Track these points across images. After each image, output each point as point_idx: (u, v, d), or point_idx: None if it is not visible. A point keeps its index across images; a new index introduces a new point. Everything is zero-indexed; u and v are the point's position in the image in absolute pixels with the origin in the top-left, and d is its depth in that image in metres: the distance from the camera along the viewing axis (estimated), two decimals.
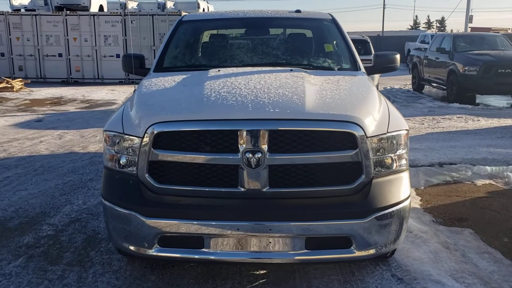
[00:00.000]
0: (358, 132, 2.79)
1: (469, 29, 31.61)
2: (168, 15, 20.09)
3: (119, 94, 15.88)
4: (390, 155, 2.96)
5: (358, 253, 2.87)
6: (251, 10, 4.71)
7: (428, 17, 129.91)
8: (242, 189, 2.82)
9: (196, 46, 4.55)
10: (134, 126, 2.96)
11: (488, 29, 48.06)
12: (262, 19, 4.56)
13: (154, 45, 20.05)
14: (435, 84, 15.24)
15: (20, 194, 5.37)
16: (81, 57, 20.08)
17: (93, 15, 20.02)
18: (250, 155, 2.74)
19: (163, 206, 2.87)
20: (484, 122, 10.22)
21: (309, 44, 4.44)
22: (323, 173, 2.84)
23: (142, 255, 2.98)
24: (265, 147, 2.74)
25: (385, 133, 2.93)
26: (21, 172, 6.31)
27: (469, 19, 32.75)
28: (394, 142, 2.97)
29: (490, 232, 4.20)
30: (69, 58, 20.07)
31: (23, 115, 11.18)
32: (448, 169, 6.28)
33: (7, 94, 15.23)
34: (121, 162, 3.03)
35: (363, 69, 4.08)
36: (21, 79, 17.56)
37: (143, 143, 2.87)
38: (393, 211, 2.88)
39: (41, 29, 19.96)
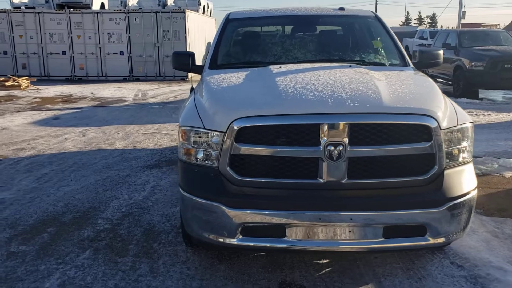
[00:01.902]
0: (433, 125, 2.93)
1: (460, 25, 31.89)
2: (172, 12, 20.12)
3: (127, 91, 15.93)
4: (458, 146, 3.11)
5: (432, 241, 3.01)
6: (294, 8, 4.84)
7: (420, 13, 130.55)
8: (322, 181, 2.95)
9: (247, 44, 4.67)
10: (215, 121, 3.08)
11: (478, 25, 48.46)
12: (309, 16, 4.69)
13: (158, 42, 20.11)
14: (440, 80, 15.45)
15: (64, 190, 5.47)
16: (85, 55, 20.09)
17: (97, 13, 20.02)
18: (332, 148, 2.87)
19: (246, 197, 3.00)
20: (495, 117, 10.42)
21: (357, 41, 4.57)
22: (398, 164, 2.98)
23: (224, 244, 3.10)
24: (346, 140, 2.87)
25: (455, 126, 3.08)
26: (56, 168, 6.40)
27: (462, 15, 33.06)
28: (463, 134, 3.12)
29: None
30: (73, 56, 20.08)
31: (38, 113, 11.22)
32: (475, 162, 6.44)
33: (15, 92, 15.24)
34: (201, 156, 3.16)
35: (411, 65, 4.23)
36: (27, 77, 17.54)
37: (225, 138, 2.99)
38: (464, 201, 3.03)
39: (44, 27, 19.94)
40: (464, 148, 3.16)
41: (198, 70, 4.41)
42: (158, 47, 20.14)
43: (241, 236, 3.03)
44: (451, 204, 2.98)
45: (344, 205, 2.93)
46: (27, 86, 16.36)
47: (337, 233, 2.96)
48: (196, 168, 3.19)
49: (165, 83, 18.64)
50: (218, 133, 3.04)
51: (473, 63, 13.35)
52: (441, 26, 59.85)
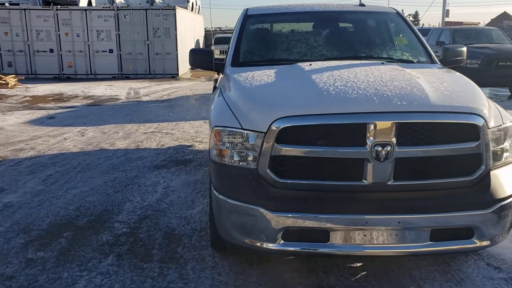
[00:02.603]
0: (481, 124, 2.84)
1: (445, 24, 32.15)
2: (162, 9, 19.90)
3: (118, 89, 15.68)
4: (502, 146, 3.02)
5: (478, 243, 2.92)
6: (313, 3, 4.72)
7: (402, 11, 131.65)
8: (366, 182, 2.84)
9: (268, 40, 4.54)
10: (254, 121, 2.94)
11: (460, 23, 48.96)
12: (330, 12, 4.58)
13: (147, 39, 19.89)
14: None
15: (72, 192, 5.28)
16: (73, 53, 19.77)
17: (85, 10, 19.70)
18: (380, 148, 2.76)
19: (288, 200, 2.88)
20: None
21: (382, 37, 4.48)
22: (445, 165, 2.89)
23: (263, 249, 2.97)
24: (393, 140, 2.77)
25: (501, 125, 3.00)
26: (61, 170, 6.20)
27: (445, 13, 33.37)
28: (506, 133, 3.04)
29: None
30: (61, 54, 19.73)
31: (31, 112, 10.93)
32: None
33: (3, 91, 14.87)
34: (237, 157, 3.02)
35: (438, 62, 4.15)
36: (14, 75, 17.15)
37: (265, 138, 2.86)
38: (511, 202, 2.95)
39: (31, 24, 19.56)
40: (508, 148, 3.08)
41: (219, 68, 4.27)
42: (148, 44, 19.90)
43: (282, 241, 2.90)
44: (499, 205, 2.89)
45: (391, 208, 2.82)
46: (15, 85, 15.99)
47: (384, 237, 2.85)
48: (232, 170, 3.05)
49: (156, 81, 18.40)
50: (257, 133, 2.91)
51: (468, 61, 13.38)
52: (423, 25, 60.25)
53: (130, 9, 19.83)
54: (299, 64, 3.76)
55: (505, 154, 3.07)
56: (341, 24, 4.62)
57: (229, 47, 4.35)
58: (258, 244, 2.96)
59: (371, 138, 2.77)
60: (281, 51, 4.23)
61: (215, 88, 4.17)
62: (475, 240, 2.92)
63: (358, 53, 4.12)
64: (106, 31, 19.69)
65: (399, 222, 2.81)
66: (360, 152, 2.79)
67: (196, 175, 5.91)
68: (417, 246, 2.88)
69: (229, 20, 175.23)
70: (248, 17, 4.53)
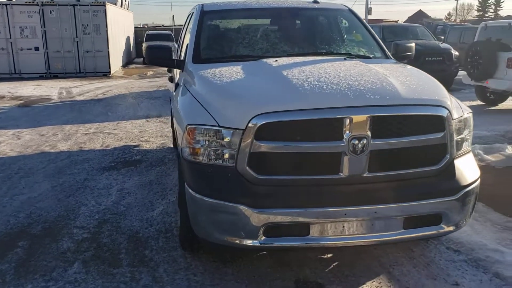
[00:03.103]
0: (446, 115, 3.00)
1: (368, 21, 33.50)
2: (91, 5, 19.12)
3: (48, 89, 14.92)
4: (462, 136, 3.21)
5: (446, 229, 3.09)
6: (266, 0, 4.73)
7: None
8: (343, 175, 2.91)
9: (229, 37, 4.49)
10: (231, 118, 2.92)
11: (381, 21, 51.15)
12: (287, 9, 4.62)
13: (77, 36, 19.08)
14: None
15: (19, 198, 4.97)
16: None
17: (5, 5, 18.48)
18: (356, 142, 2.83)
19: (269, 196, 2.88)
20: None
21: (339, 34, 4.57)
22: (413, 156, 3.01)
23: (245, 247, 2.95)
24: (369, 133, 2.85)
25: (462, 116, 3.17)
26: (1, 175, 5.80)
27: (368, 11, 34.77)
28: (466, 124, 3.23)
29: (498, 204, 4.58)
30: None
31: None
32: None
33: None
34: (214, 155, 2.98)
35: (391, 57, 4.32)
36: None
37: (244, 135, 2.85)
38: (473, 188, 3.14)
39: None
40: (467, 138, 3.27)
41: (178, 64, 4.18)
42: (77, 42, 19.10)
43: (263, 237, 2.90)
44: (464, 191, 3.07)
45: (368, 199, 2.91)
46: None
47: (362, 227, 2.93)
48: (209, 169, 3.01)
49: (87, 80, 17.71)
50: (235, 130, 2.89)
51: None
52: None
53: (56, 5, 18.86)
54: (264, 60, 3.77)
55: (464, 144, 3.26)
56: (298, 21, 4.67)
57: (180, 43, 4.26)
58: (239, 241, 2.95)
59: (348, 132, 2.83)
60: (242, 48, 4.21)
61: (177, 85, 4.06)
62: (443, 226, 3.08)
63: (318, 49, 4.19)
64: (31, 27, 18.65)
65: (375, 212, 2.90)
66: (337, 146, 2.85)
67: (149, 176, 5.77)
68: (392, 234, 2.99)
69: (155, 16, 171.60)
70: (205, 13, 4.47)
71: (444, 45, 14.98)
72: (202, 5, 4.64)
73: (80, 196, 5.06)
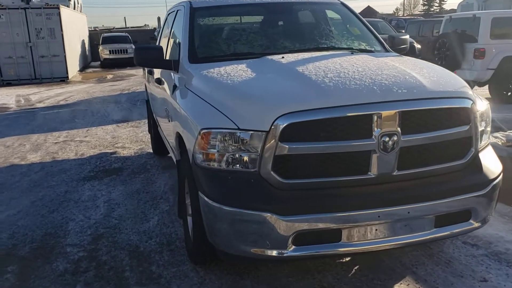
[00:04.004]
0: (471, 106, 2.89)
1: None
2: (44, 8, 18.30)
3: (4, 97, 14.22)
4: (483, 128, 3.11)
5: (475, 225, 2.98)
6: None
7: None
8: (373, 175, 2.75)
9: (225, 34, 4.23)
10: (253, 120, 2.69)
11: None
12: (280, 4, 4.41)
13: (30, 41, 18.24)
14: None
15: None
16: None
17: None
18: (387, 139, 2.68)
19: (297, 202, 2.68)
20: None
21: (337, 28, 4.40)
22: (440, 151, 2.89)
23: (273, 258, 2.74)
24: (399, 129, 2.70)
25: (484, 107, 3.08)
26: None
27: None
28: (487, 115, 3.14)
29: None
30: None
31: None
32: None
33: None
34: (233, 160, 2.76)
35: (391, 50, 4.20)
36: None
37: (268, 137, 2.64)
38: (499, 181, 3.05)
39: None
40: (487, 130, 3.18)
41: (171, 65, 3.92)
42: (30, 47, 18.27)
43: (293, 246, 2.70)
44: (492, 185, 2.97)
45: (400, 199, 2.75)
46: None
47: (395, 229, 2.78)
48: (229, 175, 2.77)
49: (45, 86, 16.95)
50: (258, 133, 2.67)
51: None
52: None
53: (5, 8, 17.94)
54: (269, 57, 3.57)
55: (484, 136, 3.16)
56: (293, 16, 4.48)
57: (166, 44, 3.95)
58: (267, 252, 2.73)
59: (377, 128, 2.67)
60: (241, 45, 3.98)
61: (175, 87, 3.77)
62: (472, 222, 2.97)
63: (319, 45, 4.01)
64: None
65: (408, 212, 2.76)
66: (367, 144, 2.68)
67: (134, 185, 5.45)
68: (424, 234, 2.85)
69: (105, 19, 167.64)
70: (195, 10, 4.21)
71: None
72: (190, 2, 4.37)
73: (65, 210, 4.70)
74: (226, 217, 2.76)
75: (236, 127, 2.72)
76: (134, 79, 18.12)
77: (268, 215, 2.64)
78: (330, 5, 4.65)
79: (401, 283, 3.16)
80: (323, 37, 4.14)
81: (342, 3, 4.67)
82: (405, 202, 2.75)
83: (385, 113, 2.67)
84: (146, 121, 9.27)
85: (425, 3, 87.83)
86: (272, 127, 2.62)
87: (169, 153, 6.60)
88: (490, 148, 3.24)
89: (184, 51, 3.87)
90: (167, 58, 4.51)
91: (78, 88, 15.98)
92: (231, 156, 2.77)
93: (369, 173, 2.75)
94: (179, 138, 3.65)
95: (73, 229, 4.21)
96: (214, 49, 3.95)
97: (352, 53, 3.71)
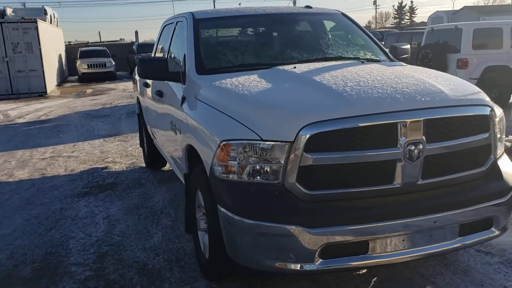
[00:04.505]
0: (491, 114, 2.90)
1: None
2: (21, 22, 17.94)
3: None
4: (500, 135, 3.12)
5: (496, 232, 2.97)
6: (260, 7, 4.49)
7: None
8: (398, 184, 2.71)
9: (229, 45, 4.16)
10: (276, 130, 2.63)
11: None
12: (282, 15, 4.37)
13: (6, 56, 17.84)
14: None
15: None
16: None
17: None
18: (413, 147, 2.65)
19: (324, 214, 2.62)
20: None
21: (341, 38, 4.39)
22: (462, 159, 2.87)
23: (299, 272, 2.67)
24: (423, 137, 2.68)
25: (500, 114, 3.09)
26: None
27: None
28: (503, 122, 3.15)
29: None
30: None
31: None
32: None
33: None
34: (256, 172, 2.69)
35: (396, 60, 4.21)
36: None
37: (293, 148, 2.58)
38: None
39: None
40: (502, 137, 3.19)
41: (178, 77, 3.83)
42: (7, 61, 17.86)
43: (320, 260, 2.63)
44: None
45: (426, 209, 2.72)
46: None
47: (421, 239, 2.74)
48: (252, 187, 2.70)
49: (23, 101, 16.54)
50: (282, 143, 2.61)
51: None
52: None
53: None
54: (280, 67, 3.52)
55: (499, 144, 3.17)
56: (296, 26, 4.45)
57: (164, 55, 3.81)
58: (293, 266, 2.66)
59: (403, 137, 2.64)
60: (248, 56, 3.92)
61: (183, 99, 3.67)
62: (494, 230, 2.96)
63: (326, 54, 3.98)
64: None
65: (435, 222, 2.73)
66: (393, 153, 2.65)
67: (131, 200, 5.31)
68: (450, 243, 2.82)
69: (78, 34, 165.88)
70: (198, 22, 4.14)
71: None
72: (192, 13, 4.31)
73: (63, 228, 4.53)
74: (249, 231, 2.68)
75: (259, 138, 2.66)
76: (115, 93, 17.88)
77: (294, 227, 2.57)
78: (331, 16, 4.65)
79: None
80: (329, 47, 4.13)
81: (343, 14, 4.68)
82: (431, 212, 2.72)
83: (410, 121, 2.65)
84: (134, 135, 9.24)
85: (396, 16, 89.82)
86: (297, 137, 2.57)
87: (163, 167, 6.54)
88: (505, 155, 3.24)
89: (191, 63, 3.79)
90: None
91: (58, 103, 15.66)
92: (253, 167, 2.70)
93: (394, 182, 2.71)
94: (188, 150, 3.57)
95: (75, 248, 4.05)
96: (221, 60, 3.88)
97: (362, 63, 3.69)
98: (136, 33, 35.21)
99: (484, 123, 2.90)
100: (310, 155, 2.58)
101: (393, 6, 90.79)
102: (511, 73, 10.40)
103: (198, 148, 3.19)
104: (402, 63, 4.08)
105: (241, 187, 2.74)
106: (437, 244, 2.79)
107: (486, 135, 2.90)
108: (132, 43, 32.29)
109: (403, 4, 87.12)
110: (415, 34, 17.26)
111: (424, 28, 14.04)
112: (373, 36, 4.43)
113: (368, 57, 4.09)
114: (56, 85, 21.72)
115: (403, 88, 2.84)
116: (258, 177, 2.70)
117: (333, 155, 2.61)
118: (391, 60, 4.19)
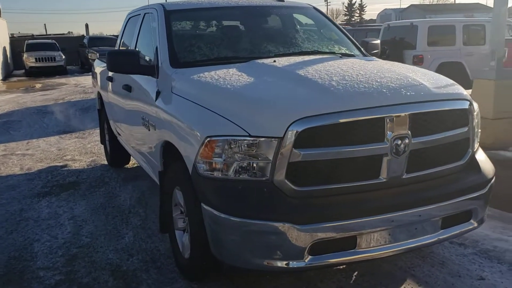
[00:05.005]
0: (470, 108, 2.96)
1: None
2: None
3: None
4: (477, 129, 3.18)
5: (475, 224, 3.03)
6: None
7: None
8: (384, 179, 2.71)
9: (203, 37, 4.03)
10: (265, 126, 2.56)
11: None
12: (255, 7, 4.27)
13: None
14: None
15: None
16: None
17: None
18: (400, 142, 2.66)
19: (312, 210, 2.58)
20: None
21: (316, 32, 4.34)
22: (443, 152, 2.91)
23: (288, 270, 2.62)
24: (409, 132, 2.69)
25: (477, 109, 3.15)
26: None
27: None
28: (479, 117, 3.21)
29: None
30: None
31: None
32: None
33: None
34: (243, 169, 2.61)
35: (369, 54, 4.24)
36: None
37: (282, 144, 2.52)
38: (494, 180, 3.12)
39: None
40: (479, 131, 3.25)
41: (151, 71, 3.69)
42: None
43: (309, 257, 2.59)
44: (490, 184, 3.04)
45: (411, 202, 2.73)
46: None
47: (406, 233, 2.75)
48: (239, 185, 2.62)
49: None
50: (270, 139, 2.54)
51: None
52: None
53: None
54: (259, 61, 3.45)
55: (476, 138, 3.24)
56: (270, 19, 4.38)
57: (134, 47, 3.74)
58: (282, 264, 2.60)
59: (390, 132, 2.64)
60: (223, 49, 3.82)
61: (157, 93, 3.53)
62: (472, 222, 3.02)
63: (303, 48, 3.94)
64: None
65: (420, 216, 2.75)
66: (381, 147, 2.64)
67: (96, 199, 5.10)
68: (433, 236, 2.85)
69: (22, 25, 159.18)
70: (169, 13, 4.00)
71: None
72: (163, 5, 4.16)
73: (26, 230, 4.29)
74: (237, 229, 2.61)
75: (246, 134, 2.58)
76: (67, 88, 17.24)
77: (284, 225, 2.52)
78: (304, 10, 4.62)
79: (405, 286, 3.14)
80: (304, 41, 4.09)
81: (315, 8, 4.66)
82: (416, 205, 2.74)
83: (397, 116, 2.65)
84: (92, 131, 8.94)
85: (347, 13, 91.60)
86: (287, 133, 2.51)
87: (126, 164, 6.33)
88: (481, 149, 3.31)
89: (164, 56, 3.66)
90: None
91: (5, 99, 14.93)
92: (240, 164, 2.62)
93: (380, 177, 2.71)
94: (164, 147, 3.45)
95: (41, 251, 3.84)
96: (195, 53, 3.76)
97: (340, 57, 3.68)
98: (87, 26, 34.15)
99: (463, 117, 2.95)
100: (299, 151, 2.53)
101: (343, 4, 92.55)
102: (464, 69, 10.78)
103: (177, 145, 3.08)
104: (376, 58, 4.11)
105: (227, 184, 2.66)
106: (421, 237, 2.81)
107: (465, 129, 2.96)
108: (83, 36, 31.27)
109: (353, 2, 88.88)
110: (369, 30, 17.60)
111: (376, 25, 14.34)
112: (345, 31, 4.44)
113: (343, 51, 4.08)
114: (1, 79, 20.73)
115: (388, 82, 2.84)
116: (245, 174, 2.63)
117: (322, 151, 2.58)
118: (365, 55, 4.21)
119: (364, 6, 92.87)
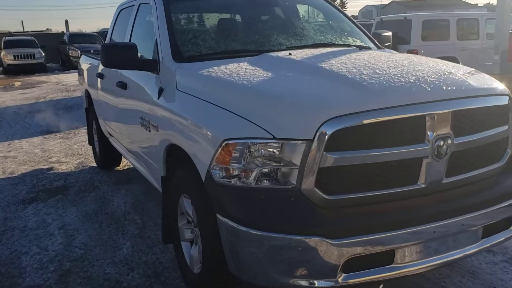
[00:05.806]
0: (509, 104, 2.70)
1: None
2: None
3: None
4: None
5: None
6: None
7: None
8: (422, 185, 2.42)
9: (207, 30, 3.71)
10: (290, 127, 2.25)
11: None
12: None
13: None
14: None
15: None
16: None
17: None
18: (442, 142, 2.37)
19: (346, 222, 2.27)
20: None
21: (327, 23, 4.05)
22: (482, 153, 2.64)
23: None
24: (451, 131, 2.40)
25: None
26: None
27: None
28: None
29: None
30: None
31: None
32: None
33: None
34: (266, 176, 2.30)
35: (382, 46, 3.97)
36: None
37: (311, 147, 2.21)
38: None
39: None
40: None
41: (152, 66, 3.35)
42: None
43: (343, 274, 2.29)
44: None
45: (452, 210, 2.44)
46: None
47: (448, 244, 2.47)
48: (261, 194, 2.30)
49: None
50: (298, 142, 2.23)
51: None
52: None
53: None
54: (272, 54, 3.14)
55: None
56: (279, 9, 4.06)
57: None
58: (312, 283, 2.29)
59: (430, 131, 2.35)
60: (231, 41, 3.50)
61: (160, 91, 3.18)
62: None
63: (315, 41, 3.63)
64: None
65: (462, 225, 2.46)
66: (421, 149, 2.35)
67: (88, 205, 4.73)
68: (474, 246, 2.57)
69: None
70: (169, 3, 3.65)
71: None
72: None
73: (11, 242, 3.91)
74: (258, 243, 2.28)
75: (270, 136, 2.26)
76: (48, 87, 16.66)
77: (314, 239, 2.21)
78: (313, 1, 4.31)
79: None
80: (316, 32, 3.78)
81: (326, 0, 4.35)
82: (459, 213, 2.45)
83: (439, 113, 2.36)
84: (77, 131, 8.52)
85: None
86: (317, 134, 2.20)
87: (117, 166, 5.96)
88: None
89: (166, 49, 3.32)
90: None
91: None
92: (263, 171, 2.30)
93: (418, 182, 2.42)
94: (168, 150, 3.11)
95: (30, 265, 3.47)
96: (200, 46, 3.41)
97: (360, 49, 3.38)
98: (67, 22, 33.27)
99: (504, 114, 2.69)
100: (331, 154, 2.22)
101: None
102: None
103: (187, 149, 2.74)
104: (390, 50, 3.83)
105: (247, 193, 2.33)
106: (462, 249, 2.53)
107: (506, 127, 2.69)
108: (62, 33, 30.47)
109: None
110: None
111: (360, 21, 14.11)
112: (357, 23, 4.15)
113: (357, 43, 3.79)
114: None
115: (425, 76, 2.55)
116: (268, 181, 2.32)
117: (357, 154, 2.27)
118: (379, 48, 3.92)
119: (346, 3, 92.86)
